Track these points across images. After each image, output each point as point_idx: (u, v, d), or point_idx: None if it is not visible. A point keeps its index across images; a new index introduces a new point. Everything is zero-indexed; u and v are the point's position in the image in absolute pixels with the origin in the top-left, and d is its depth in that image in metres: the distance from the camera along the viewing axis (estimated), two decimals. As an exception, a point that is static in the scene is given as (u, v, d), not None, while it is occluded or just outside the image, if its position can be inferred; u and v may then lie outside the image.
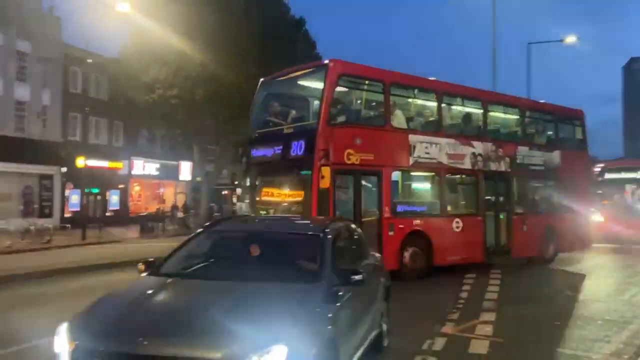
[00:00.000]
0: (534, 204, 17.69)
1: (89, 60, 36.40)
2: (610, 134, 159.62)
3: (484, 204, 15.75)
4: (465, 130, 15.82)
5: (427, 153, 14.22)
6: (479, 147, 15.54)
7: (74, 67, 38.35)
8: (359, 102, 14.36)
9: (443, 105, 15.06)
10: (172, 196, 45.95)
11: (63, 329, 4.39)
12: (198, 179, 40.33)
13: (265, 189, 13.54)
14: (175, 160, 44.87)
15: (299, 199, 12.44)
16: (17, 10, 33.59)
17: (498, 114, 17.43)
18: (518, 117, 17.62)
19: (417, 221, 13.81)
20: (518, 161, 16.71)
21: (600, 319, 9.35)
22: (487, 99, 16.49)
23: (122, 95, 34.17)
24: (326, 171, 11.74)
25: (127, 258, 16.95)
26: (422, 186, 15.10)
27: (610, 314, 9.79)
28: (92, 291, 7.27)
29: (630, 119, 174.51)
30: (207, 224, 7.07)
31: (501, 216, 16.22)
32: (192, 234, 6.58)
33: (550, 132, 18.86)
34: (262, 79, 14.78)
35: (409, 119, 14.60)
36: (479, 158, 15.47)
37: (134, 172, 41.84)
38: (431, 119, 15.24)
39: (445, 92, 15.26)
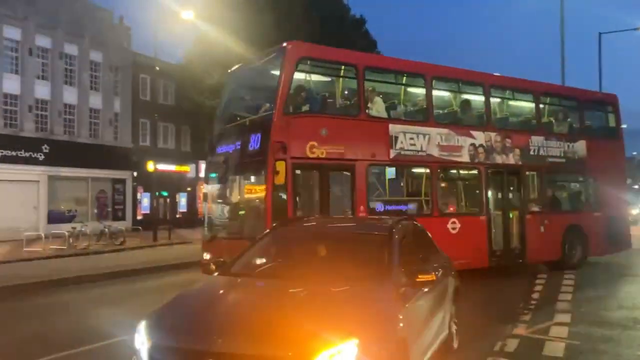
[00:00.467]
0: (554, 202, 15.77)
1: (157, 68, 37.87)
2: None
3: (489, 202, 14.08)
4: (463, 119, 14.23)
5: (413, 145, 12.77)
6: (480, 137, 13.90)
7: (143, 74, 40.23)
8: (327, 89, 12.89)
9: (433, 91, 13.57)
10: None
11: (141, 326, 4.58)
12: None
13: (222, 190, 12.52)
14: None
15: (258, 200, 11.18)
16: (90, 22, 35.77)
17: (505, 100, 15.72)
18: (531, 103, 15.76)
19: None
20: (532, 153, 14.91)
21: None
22: (491, 84, 14.73)
23: (188, 100, 35.36)
24: (281, 166, 10.57)
25: (197, 258, 17.10)
26: (408, 182, 13.59)
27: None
28: (167, 289, 8.45)
29: None
30: (274, 224, 7.11)
31: (511, 215, 14.47)
32: (261, 235, 6.77)
33: (573, 120, 16.73)
34: (229, 70, 13.87)
35: (390, 107, 13.19)
36: (481, 150, 13.85)
37: (201, 175, 42.82)
38: (419, 106, 13.81)
39: (435, 76, 13.71)
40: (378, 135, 12.51)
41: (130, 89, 39.25)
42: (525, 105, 16.24)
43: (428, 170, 13.26)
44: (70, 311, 10.95)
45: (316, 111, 12.02)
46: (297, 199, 11.33)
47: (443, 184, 13.91)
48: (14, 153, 31.03)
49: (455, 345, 7.10)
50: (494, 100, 15.09)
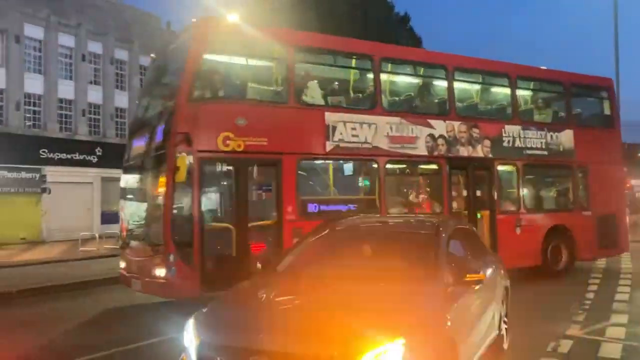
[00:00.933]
0: (534, 200, 13.94)
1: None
2: None
3: (451, 201, 12.32)
4: (420, 106, 12.48)
5: (356, 136, 11.01)
6: (441, 127, 12.08)
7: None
8: (248, 73, 11.08)
9: (382, 74, 11.80)
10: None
11: (190, 324, 4.64)
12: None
13: (131, 189, 11.06)
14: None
15: (159, 202, 9.52)
16: (139, 28, 36.32)
17: (474, 85, 13.88)
18: (506, 88, 13.77)
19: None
20: (505, 144, 13.04)
21: None
22: (455, 66, 12.78)
23: None
24: (182, 161, 8.97)
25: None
26: (350, 178, 11.87)
27: None
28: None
29: None
30: (321, 223, 6.99)
31: (479, 216, 12.63)
32: (307, 233, 6.75)
33: (559, 107, 14.80)
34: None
35: (328, 93, 11.47)
36: (441, 141, 12.04)
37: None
38: (364, 92, 12.09)
39: (384, 57, 11.91)
40: (311, 124, 10.80)
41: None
42: (499, 90, 14.30)
43: (375, 165, 11.47)
44: (125, 309, 11.09)
45: (233, 97, 10.38)
46: (205, 199, 9.71)
47: (393, 181, 12.16)
48: (69, 156, 31.44)
49: (506, 346, 6.98)
50: (459, 85, 13.22)
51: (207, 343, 4.39)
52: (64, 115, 32.71)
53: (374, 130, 11.37)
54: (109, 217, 32.26)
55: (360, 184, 11.89)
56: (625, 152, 19.88)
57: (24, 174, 29.71)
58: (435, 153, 12.13)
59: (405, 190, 12.53)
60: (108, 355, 7.38)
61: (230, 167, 10.01)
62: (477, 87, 13.96)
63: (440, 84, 12.92)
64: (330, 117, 10.95)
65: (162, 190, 9.33)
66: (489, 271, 6.36)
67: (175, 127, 9.40)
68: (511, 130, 13.30)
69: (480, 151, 12.78)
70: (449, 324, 4.59)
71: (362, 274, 5.31)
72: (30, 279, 14.31)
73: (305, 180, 10.94)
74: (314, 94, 11.09)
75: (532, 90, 14.73)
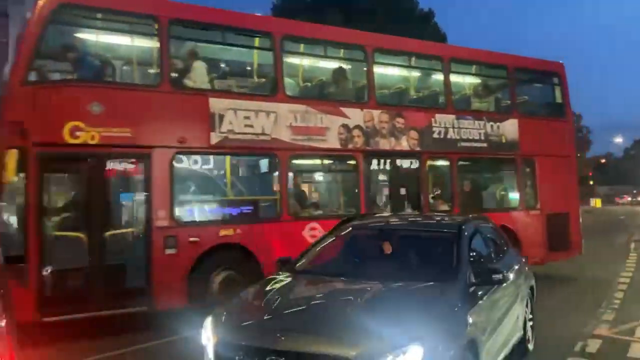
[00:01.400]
0: (471, 198, 12.27)
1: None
2: None
3: (370, 200, 10.74)
4: (332, 93, 10.83)
5: (250, 126, 9.34)
6: (357, 116, 10.45)
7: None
8: (107, 50, 9.38)
9: (284, 55, 10.09)
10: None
11: (208, 323, 4.59)
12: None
13: None
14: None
15: None
16: None
17: (398, 69, 12.27)
18: (438, 72, 12.09)
19: (229, 230, 8.96)
20: (436, 136, 11.42)
21: None
22: (375, 47, 11.06)
23: None
24: (11, 157, 7.35)
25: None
26: (242, 177, 10.25)
27: None
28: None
29: None
30: (341, 220, 6.70)
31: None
32: (327, 232, 6.54)
33: (502, 94, 13.26)
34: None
35: (215, 77, 9.82)
36: (357, 132, 10.41)
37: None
38: (263, 76, 10.47)
39: (287, 35, 10.16)
40: (191, 113, 9.05)
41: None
42: (430, 75, 12.65)
43: (275, 160, 9.78)
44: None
45: (85, 79, 8.56)
46: (47, 203, 8.01)
47: (298, 177, 10.50)
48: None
49: (531, 347, 6.86)
50: (380, 69, 11.55)
51: (224, 342, 4.34)
52: None
53: (274, 120, 9.68)
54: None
55: (257, 183, 10.20)
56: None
57: None
58: (350, 146, 10.48)
59: (314, 189, 10.89)
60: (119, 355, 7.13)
61: (82, 164, 8.26)
62: (403, 71, 12.32)
63: (358, 68, 11.27)
64: (216, 103, 9.22)
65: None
66: (513, 270, 6.19)
67: (6, 115, 7.72)
68: (444, 120, 11.68)
69: (405, 144, 11.14)
70: (469, 325, 4.49)
71: (382, 274, 5.24)
72: None
73: (185, 180, 9.23)
74: (196, 76, 9.38)
75: (470, 75, 13.11)
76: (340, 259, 6.07)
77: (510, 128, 12.59)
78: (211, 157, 9.54)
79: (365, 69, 11.05)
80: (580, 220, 13.60)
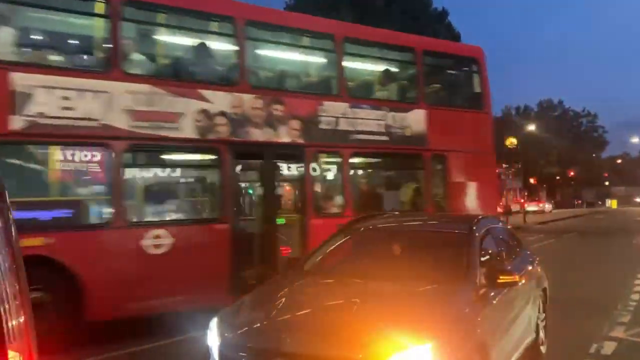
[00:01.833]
0: (367, 198, 10.67)
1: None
2: None
3: (238, 201, 9.16)
4: (188, 71, 8.95)
5: (70, 109, 7.41)
6: (221, 100, 8.67)
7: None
8: None
9: (122, 22, 8.08)
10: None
11: (213, 323, 4.47)
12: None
13: None
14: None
15: None
16: None
17: (280, 47, 10.46)
18: (330, 53, 10.38)
19: (41, 239, 6.93)
20: (324, 126, 9.72)
21: None
22: (248, 19, 9.27)
23: None
24: None
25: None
26: (61, 172, 8.00)
27: None
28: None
29: None
30: (350, 221, 6.62)
31: (280, 221, 9.45)
32: (334, 232, 6.26)
33: (408, 81, 11.62)
34: None
35: (23, 45, 7.79)
36: (221, 120, 8.60)
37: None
38: (90, 47, 8.58)
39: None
40: None
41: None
42: (319, 56, 10.89)
43: (108, 152, 7.88)
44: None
45: None
46: None
47: (139, 174, 8.59)
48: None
49: (544, 350, 6.70)
50: (258, 47, 9.78)
51: (229, 343, 4.22)
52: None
53: (107, 102, 7.77)
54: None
55: (82, 181, 8.18)
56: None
57: None
58: (212, 136, 8.64)
59: (163, 188, 8.93)
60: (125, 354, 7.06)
61: None
62: (285, 50, 10.53)
63: (226, 44, 9.43)
64: (22, 79, 7.25)
65: None
66: (525, 272, 6.15)
67: None
68: (333, 108, 9.94)
69: (284, 135, 9.36)
70: (480, 327, 4.42)
71: (391, 275, 5.06)
72: None
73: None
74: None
75: (369, 57, 11.38)
76: (349, 260, 5.95)
77: (416, 119, 10.94)
78: (14, 146, 7.48)
79: (235, 46, 9.20)
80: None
